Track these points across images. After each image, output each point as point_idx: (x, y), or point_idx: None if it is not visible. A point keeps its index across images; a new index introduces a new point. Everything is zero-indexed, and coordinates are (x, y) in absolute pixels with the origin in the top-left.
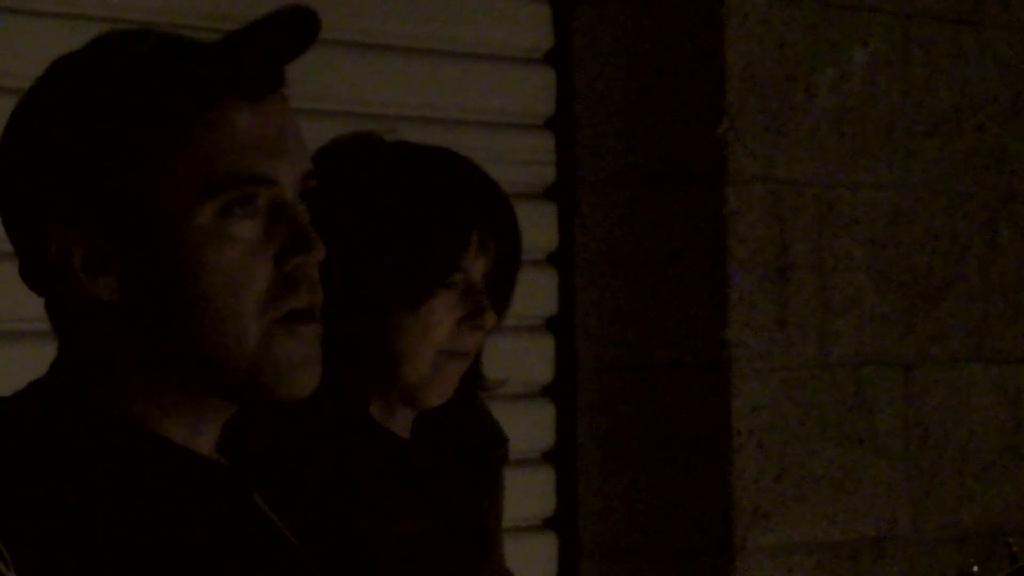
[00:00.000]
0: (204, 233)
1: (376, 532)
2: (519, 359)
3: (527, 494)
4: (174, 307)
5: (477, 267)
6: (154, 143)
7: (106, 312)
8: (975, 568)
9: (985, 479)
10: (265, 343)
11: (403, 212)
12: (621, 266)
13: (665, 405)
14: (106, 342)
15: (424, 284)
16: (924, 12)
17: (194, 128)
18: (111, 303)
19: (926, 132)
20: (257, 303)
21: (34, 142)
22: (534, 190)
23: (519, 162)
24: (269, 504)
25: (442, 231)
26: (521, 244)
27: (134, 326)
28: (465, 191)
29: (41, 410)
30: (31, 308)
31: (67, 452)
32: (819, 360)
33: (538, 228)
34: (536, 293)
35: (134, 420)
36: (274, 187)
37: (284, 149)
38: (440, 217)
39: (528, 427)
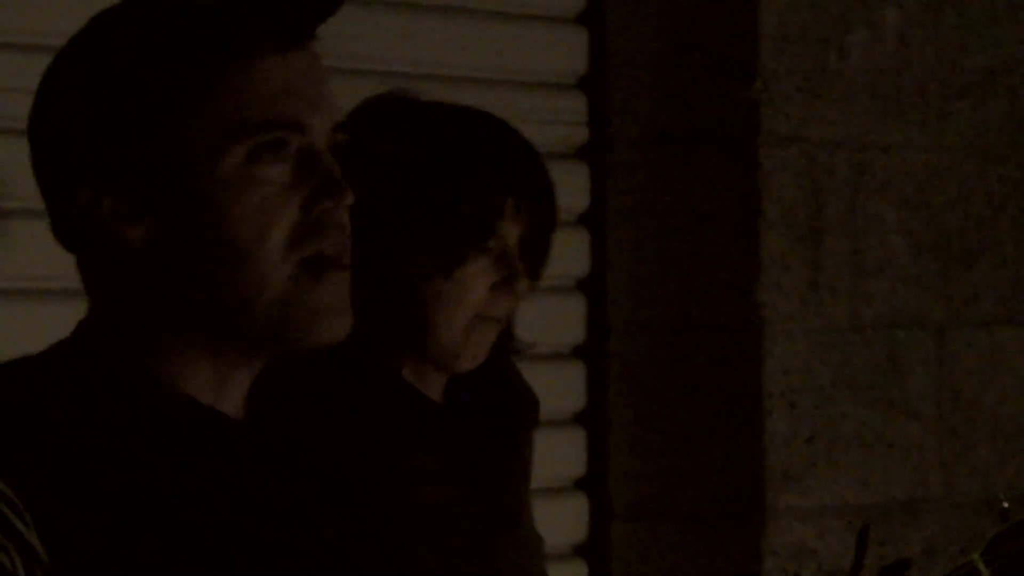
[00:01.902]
0: (233, 175)
1: (403, 496)
2: (550, 320)
3: (558, 455)
4: (202, 250)
5: (512, 232)
6: (186, 90)
7: (135, 260)
8: (1005, 504)
9: (1017, 443)
10: (291, 288)
11: (438, 176)
12: (653, 227)
13: (696, 367)
14: (134, 294)
15: (459, 249)
16: None
17: (226, 75)
18: (140, 250)
19: (959, 94)
20: (283, 246)
21: (67, 93)
22: (566, 150)
23: (551, 122)
24: (295, 465)
25: (477, 196)
26: (556, 209)
27: (163, 273)
28: (501, 155)
29: (67, 369)
30: (58, 266)
31: (92, 412)
32: (851, 322)
33: (570, 188)
34: (567, 254)
35: (159, 379)
36: (304, 133)
37: (315, 98)
38: (476, 182)
39: (559, 388)
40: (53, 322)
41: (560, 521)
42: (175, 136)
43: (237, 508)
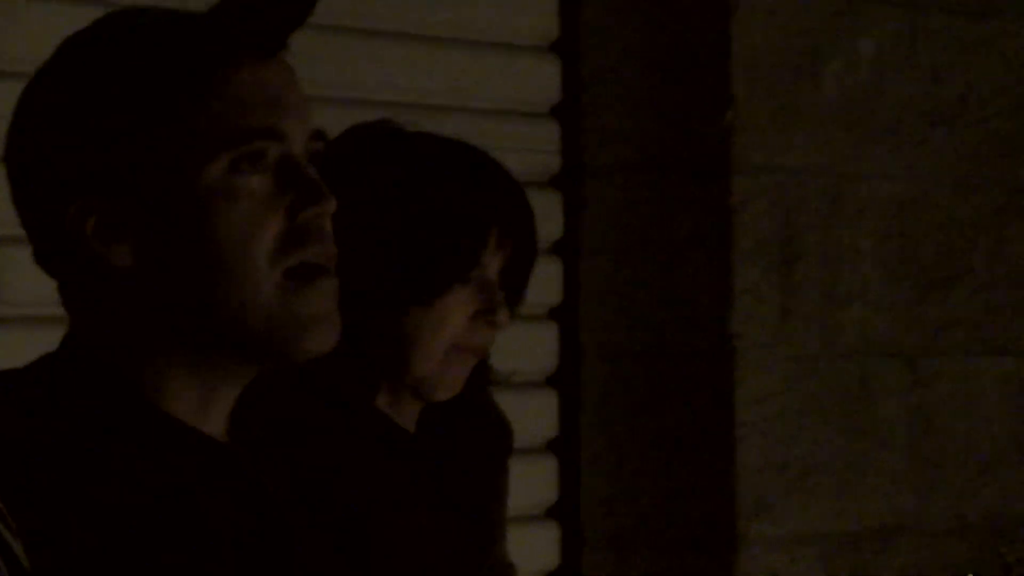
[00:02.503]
0: (215, 189)
1: (379, 523)
2: (523, 348)
3: (530, 483)
4: (187, 266)
5: (494, 263)
6: (163, 107)
7: (120, 280)
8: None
9: (990, 471)
10: (278, 297)
11: (422, 206)
12: (626, 255)
13: (669, 395)
14: (119, 314)
15: (440, 280)
16: (931, 3)
17: (201, 90)
18: (125, 270)
19: (933, 123)
20: (269, 256)
21: (46, 115)
22: (539, 179)
23: (525, 150)
24: (275, 489)
25: (461, 227)
26: (537, 241)
27: (148, 292)
28: (486, 186)
29: (50, 384)
30: (43, 293)
31: (73, 428)
32: (824, 350)
33: (543, 217)
34: (540, 282)
35: (141, 398)
36: (282, 141)
37: (290, 106)
38: (460, 212)
39: (532, 416)
40: (39, 351)
41: (532, 550)
42: (154, 152)
43: (218, 530)
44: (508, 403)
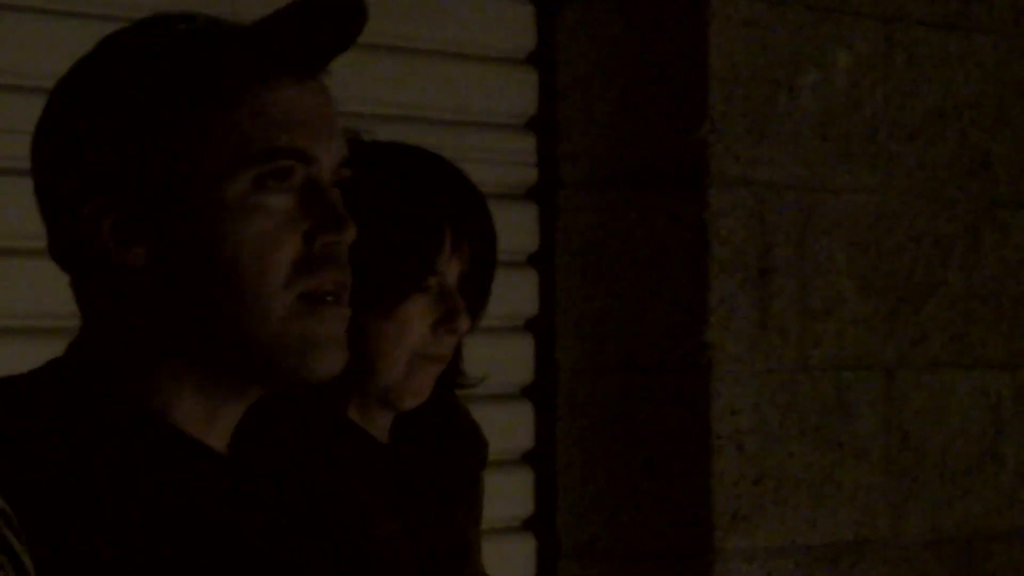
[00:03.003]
0: (237, 202)
1: (355, 533)
2: (499, 360)
3: (506, 495)
4: (201, 275)
5: (451, 270)
6: (195, 113)
7: (133, 283)
8: None
9: (965, 484)
10: (289, 319)
11: (376, 215)
12: (602, 268)
13: (645, 407)
14: (129, 318)
15: (397, 288)
16: (907, 16)
17: (236, 102)
18: (138, 271)
19: (909, 136)
20: (283, 277)
21: (75, 112)
22: (515, 191)
23: (500, 162)
24: (267, 500)
25: (415, 235)
26: (496, 246)
27: (159, 298)
28: (439, 193)
29: (56, 390)
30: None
31: (78, 434)
32: (799, 363)
33: (518, 229)
34: (516, 294)
35: (146, 407)
36: (311, 165)
37: (323, 130)
38: (413, 221)
39: (507, 428)
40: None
41: (508, 561)
42: (181, 159)
43: (218, 541)
44: (484, 415)
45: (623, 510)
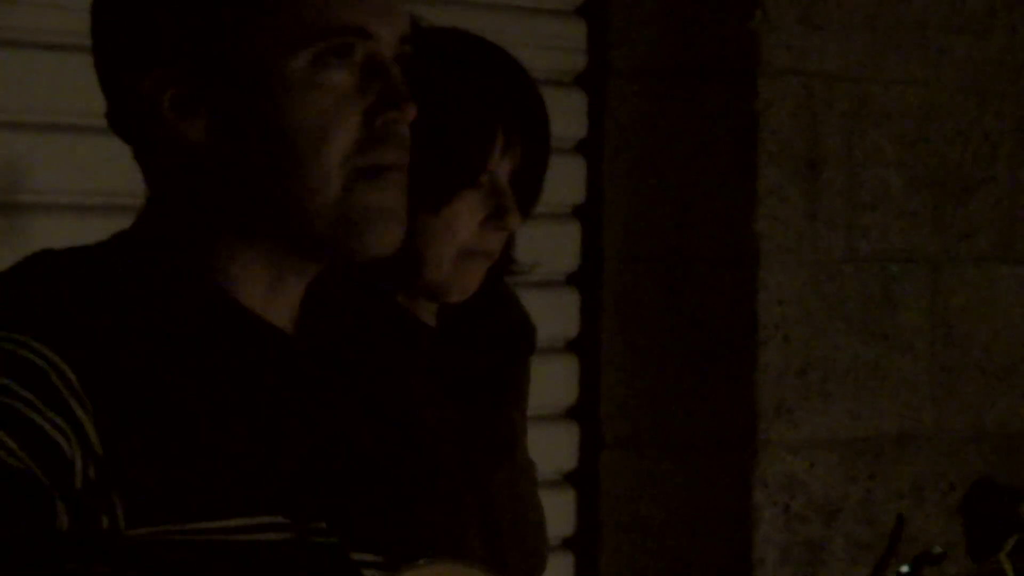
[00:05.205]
0: (297, 79)
1: (405, 416)
2: (545, 247)
3: (550, 383)
4: (260, 152)
5: (503, 166)
6: None
7: (193, 156)
8: (937, 550)
9: (1007, 380)
10: (347, 193)
11: (429, 109)
12: (650, 156)
13: (691, 297)
14: (191, 191)
15: (447, 185)
16: None
17: None
18: (198, 146)
19: (959, 30)
20: (342, 153)
21: None
22: (565, 77)
23: (550, 48)
24: (330, 378)
25: (467, 132)
26: (550, 143)
27: (219, 172)
28: (494, 89)
29: (121, 262)
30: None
31: (142, 307)
32: (846, 255)
33: (567, 116)
34: (564, 181)
35: (209, 283)
36: (371, 41)
37: (384, 6)
38: (466, 117)
39: (553, 316)
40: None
41: (551, 449)
42: (242, 35)
43: (276, 412)
44: (529, 302)
45: (667, 400)
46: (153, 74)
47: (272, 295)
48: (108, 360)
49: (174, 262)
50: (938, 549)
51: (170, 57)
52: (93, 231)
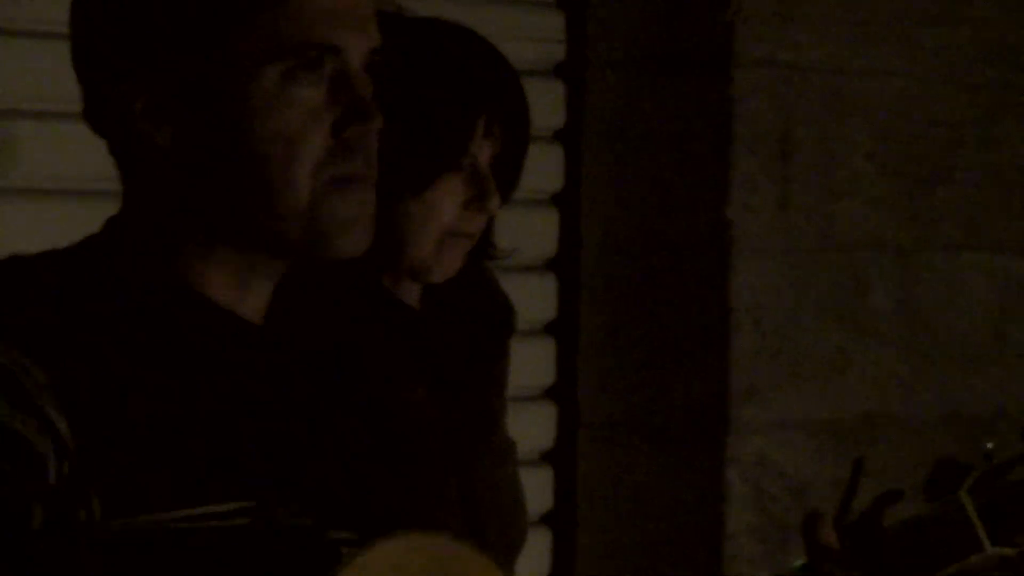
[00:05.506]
0: (267, 94)
1: (385, 398)
2: (525, 233)
3: (529, 364)
4: (228, 160)
5: (485, 151)
6: (231, 5)
7: (162, 159)
8: (989, 446)
9: (974, 364)
10: (316, 202)
11: (411, 94)
12: (627, 145)
13: (666, 282)
14: (159, 190)
15: (429, 169)
16: None
17: None
18: (166, 150)
19: (932, 21)
20: (312, 165)
21: None
22: (543, 67)
23: (529, 39)
24: (304, 367)
25: (449, 115)
26: (530, 126)
27: (186, 175)
28: (474, 74)
29: (93, 263)
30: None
31: (113, 310)
32: (818, 243)
33: (546, 105)
34: (543, 169)
35: (182, 279)
36: (340, 56)
37: (355, 20)
38: (447, 101)
39: (532, 299)
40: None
41: (530, 428)
42: (213, 48)
43: (249, 407)
44: (508, 285)
45: (642, 382)
46: (126, 80)
47: (242, 290)
48: (77, 357)
49: (142, 260)
50: (898, 487)
51: (143, 65)
52: (95, 217)
